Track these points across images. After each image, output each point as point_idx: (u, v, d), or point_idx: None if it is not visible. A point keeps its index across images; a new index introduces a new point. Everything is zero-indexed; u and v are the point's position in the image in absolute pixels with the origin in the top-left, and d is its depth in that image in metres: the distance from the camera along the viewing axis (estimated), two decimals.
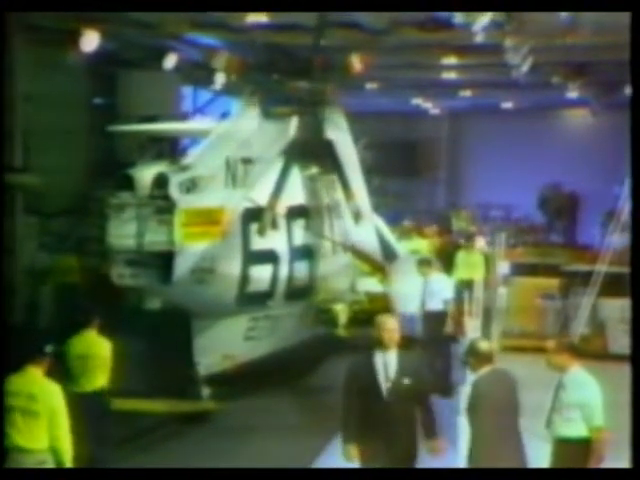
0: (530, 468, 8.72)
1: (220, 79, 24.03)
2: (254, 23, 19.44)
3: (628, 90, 21.44)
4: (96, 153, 23.38)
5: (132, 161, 16.24)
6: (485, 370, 8.79)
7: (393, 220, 25.65)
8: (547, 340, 9.95)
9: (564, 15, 17.65)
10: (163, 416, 13.97)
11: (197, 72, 24.92)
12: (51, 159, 21.37)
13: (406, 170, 35.83)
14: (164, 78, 23.75)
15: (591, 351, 15.34)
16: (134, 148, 21.37)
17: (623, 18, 9.55)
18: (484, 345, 9.02)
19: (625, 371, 8.79)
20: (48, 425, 8.38)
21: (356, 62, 15.07)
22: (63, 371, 11.07)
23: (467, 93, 31.83)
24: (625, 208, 13.80)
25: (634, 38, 8.72)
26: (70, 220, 21.67)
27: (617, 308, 18.07)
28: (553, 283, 20.38)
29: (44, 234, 21.51)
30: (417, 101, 34.56)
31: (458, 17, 16.39)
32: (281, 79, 15.91)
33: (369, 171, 19.71)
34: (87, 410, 10.77)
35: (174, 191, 13.12)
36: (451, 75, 27.24)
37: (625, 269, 12.40)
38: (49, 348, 8.78)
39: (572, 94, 28.86)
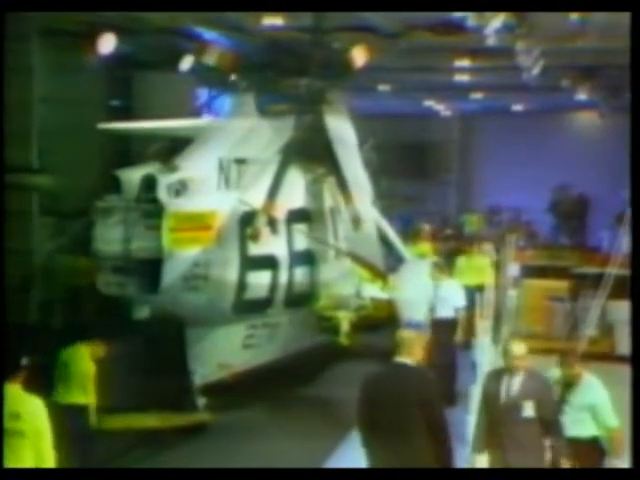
0: (531, 468, 8.26)
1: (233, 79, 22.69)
2: (270, 25, 17.82)
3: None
4: (112, 155, 21.93)
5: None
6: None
7: (405, 222, 24.60)
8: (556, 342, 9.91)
9: (574, 19, 16.28)
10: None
11: (213, 74, 23.56)
12: (67, 160, 20.03)
13: (417, 172, 34.26)
14: (180, 80, 22.23)
15: (599, 352, 14.95)
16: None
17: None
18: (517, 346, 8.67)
19: None
20: (33, 445, 6.99)
21: (358, 57, 13.19)
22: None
23: (478, 95, 30.52)
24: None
25: (634, 39, 8.31)
26: (86, 221, 20.30)
27: (625, 310, 16.90)
28: (562, 285, 19.44)
29: (61, 235, 20.18)
30: (429, 103, 33.25)
31: (470, 20, 14.80)
32: (279, 76, 14.17)
33: (377, 173, 18.10)
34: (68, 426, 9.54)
35: (162, 194, 11.64)
36: (463, 77, 25.79)
37: None
38: (25, 361, 7.33)
39: (581, 97, 27.34)
